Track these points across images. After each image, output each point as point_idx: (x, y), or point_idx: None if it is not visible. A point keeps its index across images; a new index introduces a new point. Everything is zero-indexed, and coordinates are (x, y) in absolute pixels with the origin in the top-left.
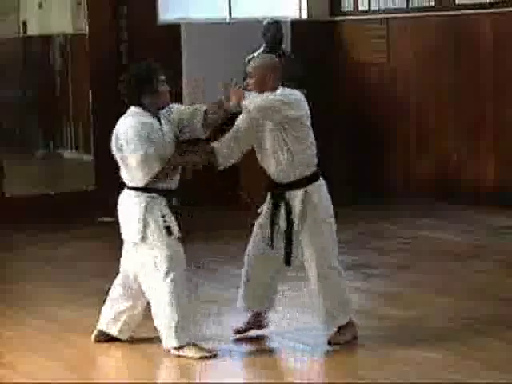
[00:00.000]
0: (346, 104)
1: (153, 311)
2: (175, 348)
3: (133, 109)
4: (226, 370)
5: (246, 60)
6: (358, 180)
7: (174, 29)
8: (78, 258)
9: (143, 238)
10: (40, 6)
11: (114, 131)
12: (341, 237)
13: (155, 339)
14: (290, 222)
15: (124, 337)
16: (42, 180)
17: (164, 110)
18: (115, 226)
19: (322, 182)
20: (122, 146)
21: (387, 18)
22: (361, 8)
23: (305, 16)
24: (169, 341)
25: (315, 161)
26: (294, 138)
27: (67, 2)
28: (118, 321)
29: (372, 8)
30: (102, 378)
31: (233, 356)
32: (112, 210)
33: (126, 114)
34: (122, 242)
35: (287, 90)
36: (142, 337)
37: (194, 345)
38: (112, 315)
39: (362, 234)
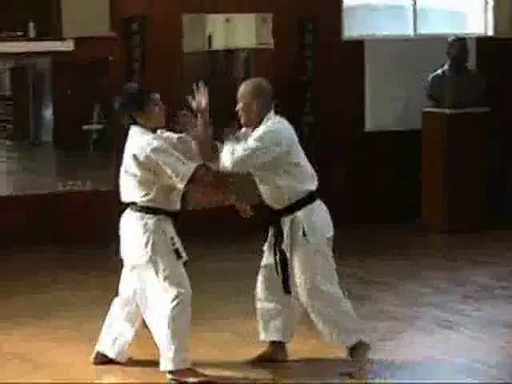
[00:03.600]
0: None
1: (153, 331)
2: (170, 372)
3: (136, 128)
4: None
5: (428, 79)
6: None
7: (358, 45)
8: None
9: (150, 261)
10: (227, 20)
11: (129, 151)
12: None
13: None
14: (281, 249)
15: (122, 359)
16: None
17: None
18: None
19: (315, 204)
20: (145, 161)
21: None
22: None
23: (491, 33)
24: (166, 363)
25: (307, 186)
26: (276, 174)
27: (253, 17)
28: (116, 343)
29: None
30: None
31: None
32: None
33: (135, 134)
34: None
35: (269, 123)
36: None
37: (190, 369)
38: (110, 338)
39: None
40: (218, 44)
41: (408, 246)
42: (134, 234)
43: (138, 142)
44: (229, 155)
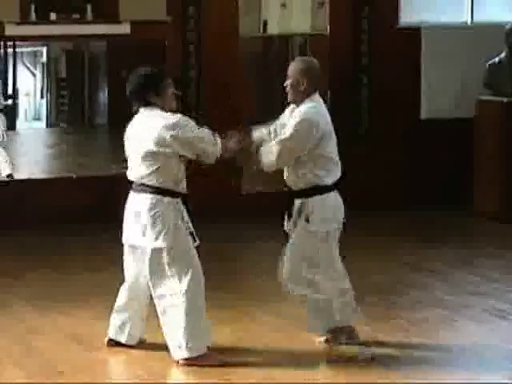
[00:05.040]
0: None
1: (165, 319)
2: (185, 359)
3: (151, 110)
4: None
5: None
6: None
7: (414, 32)
8: None
9: (166, 245)
10: (283, 5)
11: (149, 133)
12: None
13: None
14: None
15: (133, 342)
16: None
17: None
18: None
19: (329, 194)
20: (165, 140)
21: None
22: None
23: None
24: (181, 350)
25: (325, 177)
26: (299, 161)
27: (309, 2)
28: (125, 328)
29: None
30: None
31: None
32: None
33: (149, 114)
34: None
35: (307, 108)
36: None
37: (205, 354)
38: (118, 323)
39: None
40: (273, 29)
41: (460, 233)
42: (152, 219)
43: (160, 122)
44: (268, 154)
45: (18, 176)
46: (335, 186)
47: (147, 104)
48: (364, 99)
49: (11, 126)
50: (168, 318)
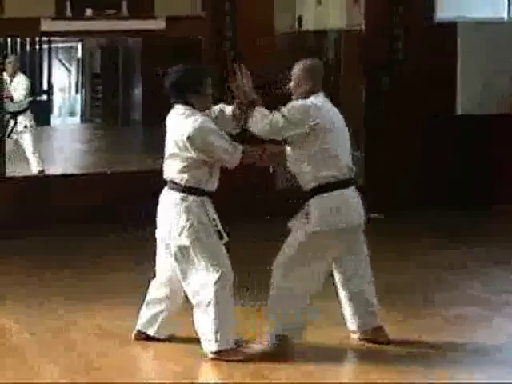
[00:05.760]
0: None
1: (195, 313)
2: (214, 352)
3: (185, 109)
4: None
5: None
6: None
7: (450, 27)
8: None
9: (193, 243)
10: (318, 1)
11: (176, 133)
12: None
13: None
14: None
15: (161, 336)
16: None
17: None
18: (381, 223)
19: (337, 192)
20: (185, 144)
21: None
22: None
23: None
24: (209, 345)
25: (330, 174)
26: (302, 161)
27: None
28: (155, 322)
29: None
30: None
31: None
32: (381, 207)
33: (184, 115)
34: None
35: (310, 99)
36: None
37: (233, 349)
38: (149, 316)
39: None
40: (309, 25)
41: (488, 233)
42: (176, 215)
43: (186, 124)
44: (260, 119)
45: (51, 171)
46: (341, 183)
47: (183, 102)
48: (398, 95)
49: (46, 121)
50: (198, 313)
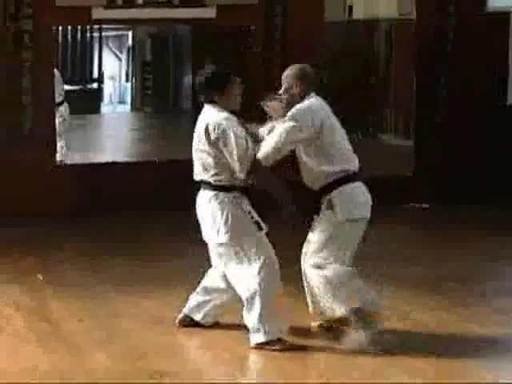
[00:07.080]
0: None
1: (244, 304)
2: (262, 343)
3: (212, 107)
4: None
5: None
6: None
7: (502, 16)
8: (376, 241)
9: (232, 238)
10: None
11: (202, 130)
12: None
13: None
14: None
15: (207, 323)
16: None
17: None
18: (425, 212)
19: (353, 185)
20: (218, 140)
21: None
22: None
23: None
24: (259, 336)
25: (341, 167)
26: (309, 157)
27: None
28: (203, 309)
29: None
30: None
31: None
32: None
33: (209, 113)
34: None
35: (304, 102)
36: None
37: (280, 339)
38: (198, 302)
39: None
40: (359, 14)
41: None
42: (211, 215)
43: (213, 120)
44: (265, 144)
45: (101, 159)
46: (355, 176)
47: (210, 101)
48: (448, 85)
49: (96, 109)
50: (246, 304)
